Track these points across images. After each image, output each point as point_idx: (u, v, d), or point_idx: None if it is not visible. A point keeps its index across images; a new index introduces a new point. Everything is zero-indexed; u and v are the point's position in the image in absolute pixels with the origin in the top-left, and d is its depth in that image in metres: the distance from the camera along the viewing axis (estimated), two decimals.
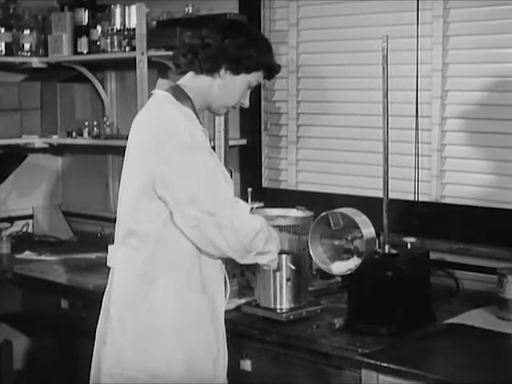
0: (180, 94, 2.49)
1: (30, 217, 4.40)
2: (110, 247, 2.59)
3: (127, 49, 3.83)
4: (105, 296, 2.57)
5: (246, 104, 2.61)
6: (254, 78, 2.55)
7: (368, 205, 2.82)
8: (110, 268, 2.57)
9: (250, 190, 3.28)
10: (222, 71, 2.50)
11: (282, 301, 2.76)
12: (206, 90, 2.53)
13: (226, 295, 2.56)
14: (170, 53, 3.48)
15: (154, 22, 3.83)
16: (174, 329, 2.45)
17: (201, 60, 2.50)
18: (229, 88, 2.54)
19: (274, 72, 2.63)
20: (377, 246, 2.64)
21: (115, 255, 2.55)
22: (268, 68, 2.59)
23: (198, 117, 2.50)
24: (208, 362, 2.49)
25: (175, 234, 2.43)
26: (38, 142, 4.14)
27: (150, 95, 2.57)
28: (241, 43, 2.51)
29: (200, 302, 2.48)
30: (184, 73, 2.56)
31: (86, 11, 4.05)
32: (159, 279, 2.44)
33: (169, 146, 2.39)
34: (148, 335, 2.44)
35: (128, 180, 2.51)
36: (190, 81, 2.54)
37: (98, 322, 2.56)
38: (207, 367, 2.49)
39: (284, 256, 2.79)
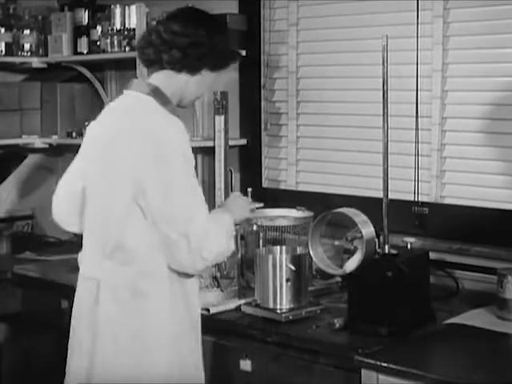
0: (162, 98, 2.46)
1: (30, 217, 4.40)
2: (82, 255, 2.55)
3: (127, 49, 3.83)
4: (82, 309, 2.51)
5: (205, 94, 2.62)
6: (223, 72, 2.58)
7: (368, 205, 2.83)
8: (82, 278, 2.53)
9: (249, 190, 3.28)
10: (203, 70, 2.50)
11: (282, 301, 2.76)
12: (182, 88, 2.52)
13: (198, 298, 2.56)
14: None
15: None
16: (165, 342, 2.44)
17: (189, 59, 2.46)
18: (204, 84, 2.55)
19: (235, 62, 2.68)
20: (377, 246, 2.64)
21: (101, 267, 2.47)
22: (234, 62, 2.64)
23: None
24: (192, 368, 2.51)
25: (158, 245, 2.40)
26: (37, 142, 4.14)
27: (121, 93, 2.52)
28: (226, 40, 2.53)
29: (183, 311, 2.48)
30: (158, 70, 2.49)
31: (86, 11, 4.05)
32: (149, 293, 2.42)
33: (159, 158, 2.34)
34: (143, 349, 2.42)
35: (110, 190, 2.43)
36: (167, 80, 2.49)
37: (70, 333, 2.53)
38: (195, 373, 2.52)
39: (284, 256, 2.80)
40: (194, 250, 2.34)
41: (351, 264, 2.64)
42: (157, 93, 2.46)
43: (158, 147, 2.36)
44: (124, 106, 2.51)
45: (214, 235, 2.38)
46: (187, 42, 2.45)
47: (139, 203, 2.37)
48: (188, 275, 2.46)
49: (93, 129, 2.57)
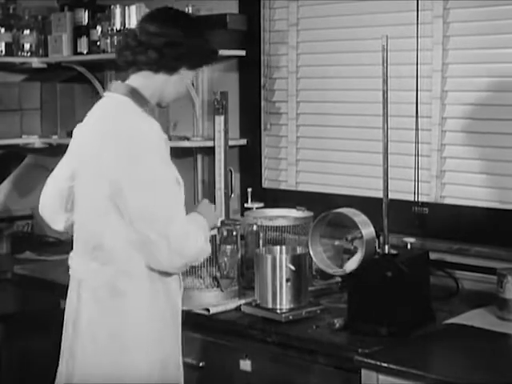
0: (140, 99, 2.47)
1: (30, 217, 4.39)
2: (72, 255, 2.58)
3: None
4: (70, 309, 2.53)
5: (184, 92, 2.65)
6: (200, 69, 2.63)
7: (368, 205, 2.83)
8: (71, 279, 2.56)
9: (249, 190, 3.29)
10: (181, 70, 2.51)
11: (282, 301, 2.76)
12: (161, 88, 2.53)
13: (181, 296, 2.59)
14: None
15: None
16: (145, 341, 2.45)
17: (166, 59, 2.46)
18: (183, 83, 2.56)
19: (213, 61, 2.75)
20: (377, 246, 2.64)
21: (82, 265, 2.51)
22: (212, 62, 2.71)
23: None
24: (174, 367, 2.53)
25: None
26: (37, 142, 4.14)
27: (103, 96, 2.54)
28: (204, 40, 2.54)
29: (164, 309, 2.49)
30: (136, 71, 2.51)
31: (86, 11, 4.05)
32: (129, 291, 2.43)
33: (136, 159, 2.35)
34: (122, 349, 2.43)
35: (89, 190, 2.47)
36: (145, 81, 2.50)
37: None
38: (173, 371, 2.53)
39: (284, 256, 2.80)
40: (173, 250, 2.35)
41: (351, 264, 2.64)
42: (134, 94, 2.47)
43: (133, 148, 2.37)
44: (102, 107, 2.54)
45: (193, 236, 2.40)
46: (163, 42, 2.45)
47: (117, 203, 2.38)
48: (169, 274, 2.47)
49: (77, 130, 2.61)
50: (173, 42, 2.46)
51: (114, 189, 2.37)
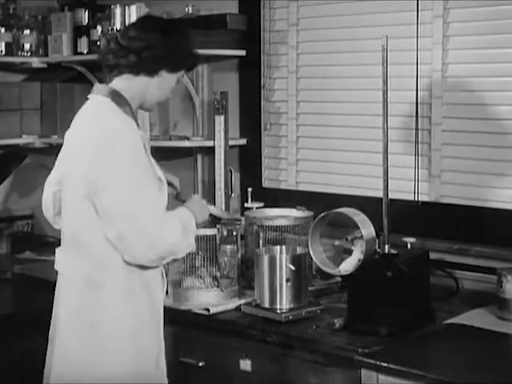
0: (120, 100, 2.52)
1: (30, 217, 4.40)
2: (57, 250, 2.63)
3: None
4: (54, 299, 2.60)
5: (169, 97, 2.71)
6: (182, 73, 2.64)
7: (368, 205, 2.83)
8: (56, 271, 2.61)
9: (250, 189, 3.29)
10: (162, 72, 2.56)
11: (282, 301, 2.76)
12: (142, 91, 2.58)
13: (164, 290, 2.61)
14: None
15: None
16: (122, 334, 2.48)
17: (145, 62, 2.53)
18: (165, 85, 2.60)
19: (196, 66, 2.80)
20: (377, 246, 2.64)
21: (63, 259, 2.58)
22: (194, 65, 2.74)
23: (136, 120, 2.54)
24: (152, 361, 2.54)
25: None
26: (37, 142, 4.14)
27: (86, 99, 2.59)
28: (182, 43, 2.60)
29: (142, 301, 2.52)
30: (118, 74, 2.57)
31: (86, 11, 4.05)
32: (106, 283, 2.47)
33: (109, 158, 2.41)
34: (95, 341, 2.47)
35: (69, 187, 2.54)
36: (126, 83, 2.56)
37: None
38: (151, 366, 2.54)
39: (284, 256, 2.80)
40: (147, 243, 2.40)
41: (346, 265, 2.65)
42: (114, 95, 2.53)
43: (105, 146, 2.43)
44: (84, 110, 2.59)
45: (168, 230, 2.43)
46: (142, 45, 2.52)
47: (93, 201, 2.44)
48: (146, 267, 2.50)
49: (66, 135, 2.65)
50: (151, 45, 2.53)
51: (90, 188, 2.43)
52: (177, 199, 2.77)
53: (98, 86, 2.61)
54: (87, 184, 2.43)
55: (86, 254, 2.49)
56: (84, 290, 2.49)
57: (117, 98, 2.52)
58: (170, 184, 2.70)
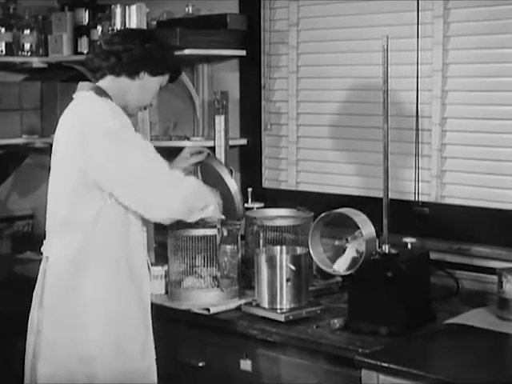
0: (100, 92, 2.64)
1: (30, 217, 4.40)
2: (44, 241, 2.72)
3: None
4: (37, 285, 2.66)
5: (153, 104, 2.91)
6: (165, 79, 2.76)
7: (368, 205, 2.83)
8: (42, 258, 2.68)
9: (250, 189, 3.29)
10: (142, 73, 2.69)
11: (282, 301, 2.76)
12: (124, 92, 2.70)
13: (149, 280, 2.71)
14: None
15: (154, 22, 3.83)
16: (102, 319, 2.56)
17: (124, 63, 2.67)
18: (146, 89, 2.72)
19: (178, 74, 2.86)
20: (377, 246, 2.64)
21: (50, 244, 2.66)
22: (176, 70, 2.82)
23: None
24: (137, 349, 2.61)
25: (108, 221, 2.57)
26: (38, 142, 4.14)
27: (71, 100, 2.71)
28: (160, 46, 2.74)
29: (127, 289, 2.60)
30: (102, 76, 2.71)
31: (87, 11, 4.05)
32: (90, 267, 2.56)
33: (97, 133, 2.53)
34: (77, 326, 2.56)
35: (59, 176, 2.65)
36: (109, 84, 2.69)
37: (29, 310, 2.68)
38: (136, 354, 2.60)
39: (284, 256, 2.80)
40: (172, 184, 2.59)
41: (340, 264, 2.66)
42: (97, 89, 2.66)
43: (92, 123, 2.56)
44: (69, 107, 2.71)
45: (188, 180, 2.66)
46: (122, 48, 2.69)
47: (94, 179, 2.53)
48: (134, 251, 2.61)
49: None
50: (130, 48, 2.69)
51: (88, 167, 2.53)
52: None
53: (81, 84, 2.72)
54: (83, 165, 2.53)
55: (76, 236, 2.57)
56: (70, 273, 2.56)
57: (99, 91, 2.64)
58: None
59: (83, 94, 2.65)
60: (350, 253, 2.65)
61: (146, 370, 2.64)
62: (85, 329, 2.55)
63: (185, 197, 2.60)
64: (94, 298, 2.56)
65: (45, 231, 2.73)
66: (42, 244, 2.72)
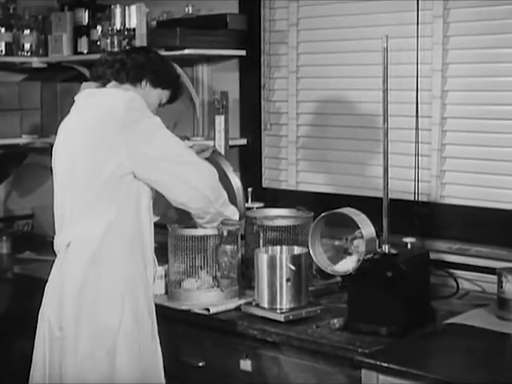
0: (119, 85, 2.73)
1: (30, 217, 4.40)
2: (55, 238, 2.71)
3: (127, 49, 3.83)
4: (52, 280, 2.71)
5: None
6: (165, 95, 2.83)
7: (368, 205, 2.83)
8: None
9: (250, 189, 3.29)
10: (144, 82, 2.75)
11: (282, 301, 2.76)
12: None
13: (154, 276, 2.75)
14: (171, 53, 3.49)
15: (154, 22, 3.83)
16: (119, 294, 2.59)
17: (128, 68, 2.73)
18: (147, 100, 2.73)
19: (178, 93, 2.91)
20: (377, 246, 2.64)
21: (69, 231, 2.64)
22: (176, 89, 2.88)
23: None
24: (148, 330, 2.65)
25: (134, 206, 2.63)
26: (38, 142, 4.14)
27: (73, 102, 2.79)
28: (162, 58, 2.86)
29: (137, 274, 2.63)
30: (105, 83, 2.76)
31: (86, 11, 4.05)
32: (113, 244, 2.59)
33: (137, 124, 2.58)
34: (98, 300, 2.59)
35: (78, 168, 2.63)
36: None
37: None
38: (147, 335, 2.64)
39: (284, 256, 2.79)
40: (199, 169, 2.68)
41: (342, 266, 2.66)
42: (101, 87, 2.75)
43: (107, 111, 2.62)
44: (76, 104, 2.82)
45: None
46: (126, 56, 2.79)
47: (127, 165, 2.57)
48: (147, 239, 2.68)
49: (60, 127, 2.85)
50: (135, 57, 2.79)
51: (124, 155, 2.56)
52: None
53: (85, 85, 2.82)
54: (117, 150, 2.55)
55: (102, 216, 2.59)
56: (93, 253, 2.58)
57: (115, 84, 2.72)
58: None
59: (90, 91, 2.73)
60: (355, 257, 2.65)
61: (154, 350, 2.66)
62: (105, 303, 2.58)
63: (214, 174, 2.71)
64: (113, 272, 2.59)
65: (53, 226, 2.72)
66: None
